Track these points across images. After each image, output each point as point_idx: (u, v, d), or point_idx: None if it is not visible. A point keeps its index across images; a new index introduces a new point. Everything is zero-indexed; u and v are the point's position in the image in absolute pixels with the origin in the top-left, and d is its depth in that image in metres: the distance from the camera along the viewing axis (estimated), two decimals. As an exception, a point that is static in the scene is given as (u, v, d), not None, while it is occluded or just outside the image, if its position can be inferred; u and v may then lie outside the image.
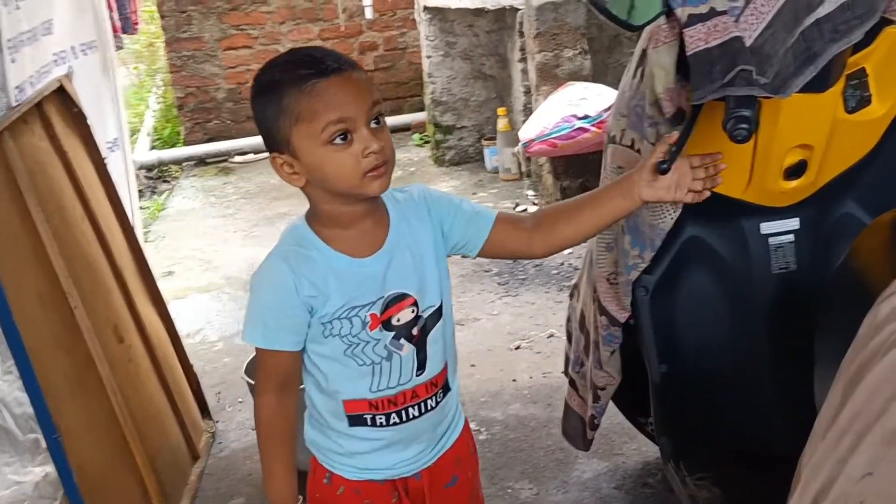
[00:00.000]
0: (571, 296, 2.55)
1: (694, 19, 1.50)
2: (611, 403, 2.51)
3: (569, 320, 2.57)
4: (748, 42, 1.49)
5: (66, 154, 2.71)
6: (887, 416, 1.09)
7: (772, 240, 1.99)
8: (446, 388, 1.60)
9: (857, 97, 1.83)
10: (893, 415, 1.09)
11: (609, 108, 4.50)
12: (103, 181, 2.99)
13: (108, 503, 2.36)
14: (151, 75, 7.92)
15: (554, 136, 4.54)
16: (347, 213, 1.46)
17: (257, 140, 6.66)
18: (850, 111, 1.83)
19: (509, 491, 2.71)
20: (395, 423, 1.55)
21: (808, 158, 1.85)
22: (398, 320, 1.49)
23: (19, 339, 2.07)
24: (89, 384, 2.45)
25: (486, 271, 4.26)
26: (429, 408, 1.57)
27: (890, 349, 1.16)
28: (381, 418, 1.53)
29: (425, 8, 5.60)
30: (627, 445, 2.85)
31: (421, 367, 1.53)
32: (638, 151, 1.86)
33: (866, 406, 1.15)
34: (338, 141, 1.38)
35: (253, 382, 2.86)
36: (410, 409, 1.55)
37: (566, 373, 2.63)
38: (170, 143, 6.95)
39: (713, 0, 1.50)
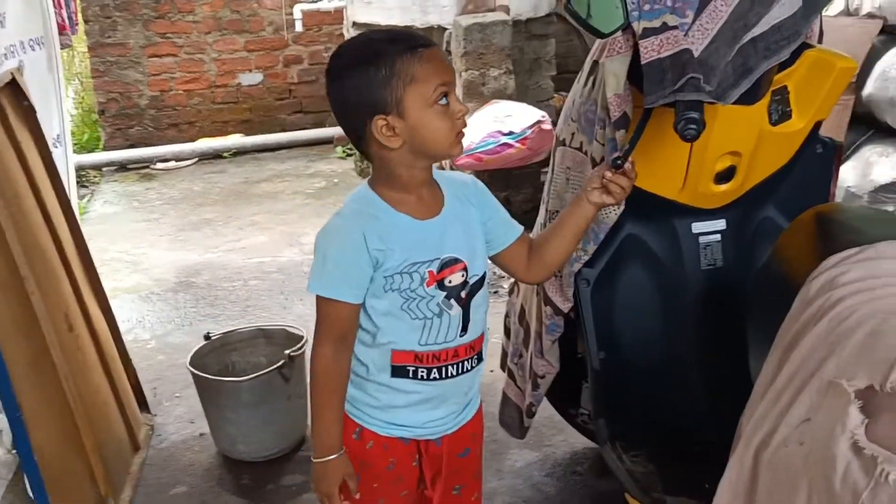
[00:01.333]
0: (511, 292, 2.72)
1: (648, 32, 1.70)
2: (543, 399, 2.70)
3: (507, 316, 2.74)
4: (696, 54, 1.70)
5: (20, 144, 2.75)
6: (821, 372, 1.29)
7: (701, 238, 2.20)
8: (480, 357, 1.75)
9: (780, 111, 2.06)
10: (827, 371, 1.29)
11: (532, 126, 4.75)
12: (50, 174, 3.03)
13: (61, 486, 2.40)
14: (69, 80, 7.82)
15: (480, 150, 4.73)
16: (417, 178, 1.63)
17: (180, 147, 6.75)
18: (774, 123, 2.06)
19: (446, 478, 2.84)
20: (434, 379, 1.68)
21: (736, 164, 2.07)
22: (450, 282, 1.64)
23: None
24: (44, 370, 2.49)
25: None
26: (465, 369, 1.71)
27: (820, 318, 1.36)
28: (423, 371, 1.67)
29: (354, 24, 5.75)
30: (556, 437, 3.03)
31: (465, 329, 1.68)
32: (585, 153, 2.05)
33: (802, 366, 1.35)
34: (442, 102, 1.56)
35: (198, 372, 2.96)
36: (450, 367, 1.69)
37: (503, 366, 2.80)
38: (88, 148, 6.89)
39: (665, 16, 1.70)
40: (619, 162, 1.67)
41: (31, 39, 3.13)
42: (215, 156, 6.69)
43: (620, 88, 1.81)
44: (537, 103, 5.39)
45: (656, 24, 1.69)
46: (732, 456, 1.44)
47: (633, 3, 1.69)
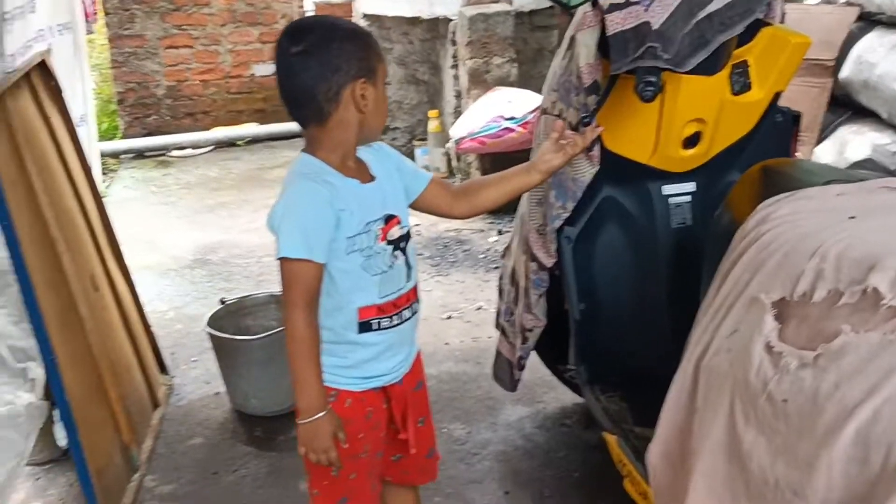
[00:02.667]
0: (503, 256, 2.94)
1: (613, 7, 1.92)
2: (535, 359, 2.92)
3: (500, 278, 2.96)
4: (655, 27, 1.91)
5: (50, 120, 2.99)
6: (748, 289, 1.51)
7: (672, 200, 2.42)
8: (418, 299, 1.98)
9: (741, 83, 2.27)
10: (751, 288, 1.51)
11: (534, 111, 4.96)
12: (76, 150, 3.26)
13: (88, 431, 2.63)
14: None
15: (482, 134, 4.95)
16: (353, 149, 1.85)
17: (195, 136, 6.97)
18: (736, 94, 2.28)
19: (444, 431, 3.06)
20: (395, 325, 1.90)
21: (702, 130, 2.28)
22: (393, 235, 1.86)
23: (26, 272, 2.35)
24: (71, 324, 2.72)
25: (419, 255, 4.62)
26: (414, 311, 1.95)
27: (751, 245, 1.57)
28: (385, 321, 1.88)
29: (364, 15, 5.97)
30: (547, 395, 3.24)
31: (408, 275, 1.91)
32: (564, 119, 2.26)
33: (734, 287, 1.56)
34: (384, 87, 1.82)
35: (215, 332, 3.18)
36: (404, 312, 1.91)
37: (497, 324, 3.02)
38: (107, 136, 7.13)
39: (629, -9, 1.92)
40: (586, 120, 1.89)
41: (58, 24, 3.36)
42: (230, 144, 6.93)
43: (591, 58, 2.03)
44: (541, 90, 5.60)
45: (620, 0, 1.91)
46: (679, 369, 1.65)
47: (600, -21, 1.92)
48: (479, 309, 3.98)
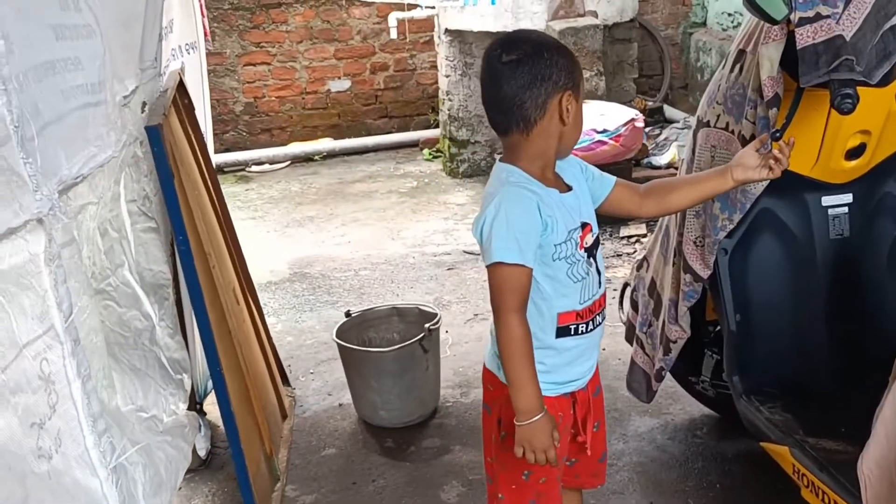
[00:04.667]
0: (639, 268, 2.96)
1: (803, 21, 1.94)
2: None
3: (635, 290, 2.98)
4: (847, 39, 1.94)
5: (191, 137, 3.06)
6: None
7: (830, 211, 2.43)
8: (606, 305, 2.02)
9: (906, 94, 2.28)
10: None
11: (626, 124, 4.99)
12: (207, 166, 3.33)
13: (244, 440, 2.68)
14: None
15: (575, 147, 4.97)
16: (553, 161, 1.90)
17: (273, 151, 7.08)
18: (900, 105, 2.28)
19: (575, 442, 3.08)
20: (589, 331, 1.95)
21: (866, 142, 2.30)
22: (587, 243, 1.91)
23: (199, 286, 2.41)
24: (224, 336, 2.78)
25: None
26: (604, 317, 2.00)
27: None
28: (582, 326, 1.93)
29: (446, 30, 6.03)
30: (674, 406, 3.26)
31: (600, 282, 1.96)
32: (732, 132, 2.29)
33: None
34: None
35: (345, 344, 3.23)
36: (597, 318, 1.97)
37: (629, 338, 3.04)
38: (185, 152, 7.25)
39: (818, 7, 1.94)
40: (777, 135, 1.92)
41: (187, 44, 3.44)
42: (306, 159, 7.01)
43: (774, 71, 2.06)
44: (622, 102, 5.63)
45: (810, 13, 1.94)
46: (894, 378, 1.67)
47: (790, -5, 1.95)
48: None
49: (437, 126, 6.84)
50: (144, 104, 2.60)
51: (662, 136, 6.06)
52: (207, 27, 3.82)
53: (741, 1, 1.91)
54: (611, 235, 4.95)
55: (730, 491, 2.79)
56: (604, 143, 4.95)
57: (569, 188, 1.93)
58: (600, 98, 5.37)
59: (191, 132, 3.08)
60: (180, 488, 3.01)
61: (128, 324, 2.39)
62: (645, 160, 5.79)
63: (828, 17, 1.93)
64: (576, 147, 5.10)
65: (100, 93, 2.05)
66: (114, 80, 2.26)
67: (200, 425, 2.94)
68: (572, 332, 1.93)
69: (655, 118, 6.68)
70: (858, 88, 2.13)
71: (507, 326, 1.82)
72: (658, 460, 2.98)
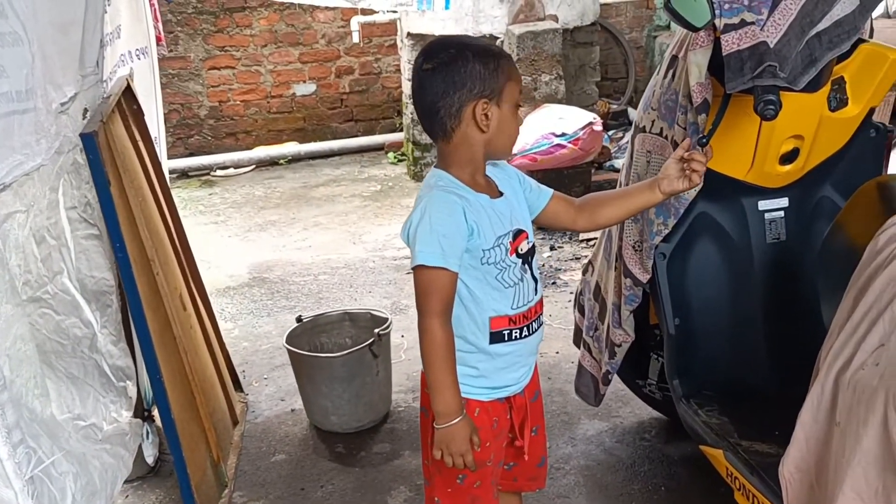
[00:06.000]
0: (585, 272, 2.97)
1: (728, 28, 1.96)
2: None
3: (581, 294, 2.99)
4: (771, 45, 1.96)
5: (138, 143, 3.05)
6: (893, 305, 1.54)
7: (767, 215, 2.45)
8: (542, 312, 2.02)
9: (838, 99, 2.31)
10: (896, 303, 1.53)
11: (584, 128, 5.01)
12: (156, 171, 3.32)
13: (187, 448, 2.67)
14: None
15: (534, 151, 4.99)
16: (483, 167, 1.91)
17: (238, 155, 7.04)
18: (833, 110, 2.31)
19: (525, 445, 3.09)
20: (524, 337, 1.95)
21: (799, 147, 2.32)
22: (522, 249, 1.92)
23: (137, 293, 2.40)
24: (168, 343, 2.77)
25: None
26: (540, 323, 2.00)
27: (890, 262, 1.61)
28: (515, 332, 1.93)
29: (408, 34, 6.04)
30: (624, 409, 3.27)
31: (535, 289, 1.96)
32: (666, 138, 2.31)
33: (876, 302, 1.60)
34: (515, 107, 1.85)
35: (295, 350, 3.23)
36: (533, 324, 1.97)
37: (577, 342, 3.06)
38: (149, 157, 7.21)
39: (743, 13, 1.96)
40: (703, 141, 1.93)
41: (137, 49, 3.42)
42: (272, 163, 7.00)
43: (702, 77, 2.07)
44: (582, 108, 5.66)
45: (735, 20, 1.96)
46: (814, 383, 1.69)
47: (715, 1, 1.96)
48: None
49: (402, 129, 6.84)
50: (86, 110, 2.59)
51: (625, 140, 6.09)
52: (161, 32, 3.79)
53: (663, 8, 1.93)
54: (570, 239, 4.97)
55: (674, 494, 2.81)
56: (562, 146, 4.97)
57: (501, 194, 1.93)
58: (560, 101, 5.39)
59: (138, 138, 3.06)
60: (127, 496, 3.01)
61: (66, 331, 2.37)
62: (607, 163, 5.83)
63: (752, 23, 1.95)
64: (534, 151, 5.12)
65: (28, 100, 2.04)
66: (48, 86, 2.25)
67: (148, 432, 2.92)
68: (506, 338, 1.93)
69: (620, 121, 6.72)
70: (789, 94, 2.16)
71: (427, 330, 1.82)
72: (605, 464, 2.99)
